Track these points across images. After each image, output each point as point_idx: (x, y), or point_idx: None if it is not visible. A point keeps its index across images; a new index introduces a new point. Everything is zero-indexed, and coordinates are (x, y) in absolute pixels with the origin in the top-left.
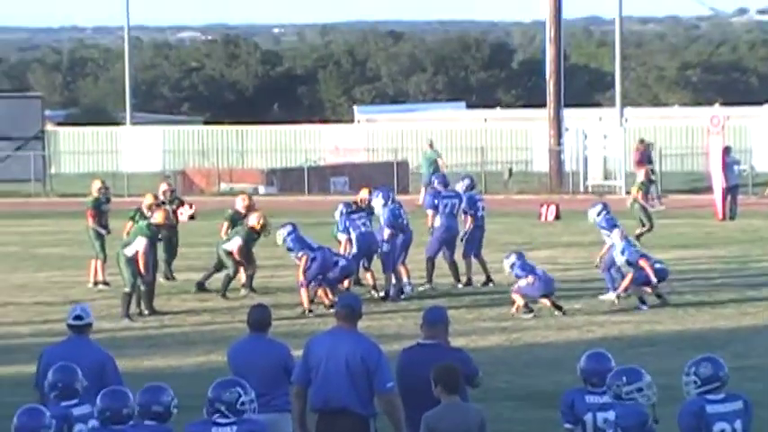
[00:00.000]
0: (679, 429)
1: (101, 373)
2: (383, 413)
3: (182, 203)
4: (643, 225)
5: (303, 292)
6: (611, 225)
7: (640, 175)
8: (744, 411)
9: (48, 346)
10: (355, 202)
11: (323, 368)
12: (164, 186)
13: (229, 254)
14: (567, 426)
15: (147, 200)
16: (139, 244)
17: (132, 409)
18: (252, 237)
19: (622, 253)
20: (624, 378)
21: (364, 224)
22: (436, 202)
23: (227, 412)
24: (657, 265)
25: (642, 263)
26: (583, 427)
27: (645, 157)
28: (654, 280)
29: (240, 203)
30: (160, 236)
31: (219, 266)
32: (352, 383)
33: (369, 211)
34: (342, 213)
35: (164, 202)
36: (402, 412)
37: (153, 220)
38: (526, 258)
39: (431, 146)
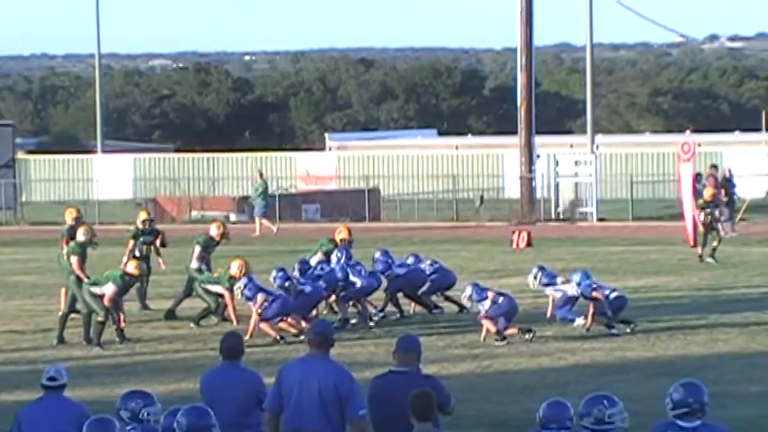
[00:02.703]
0: None
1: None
2: None
3: (158, 234)
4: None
5: (264, 325)
6: (552, 278)
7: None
8: None
9: (23, 407)
10: (333, 240)
11: (295, 395)
12: (143, 216)
13: (210, 293)
14: None
15: (142, 216)
16: (108, 289)
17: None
18: (233, 285)
19: (578, 285)
20: (605, 401)
21: (360, 270)
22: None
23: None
24: (614, 294)
25: (595, 295)
26: None
27: (719, 183)
28: (609, 312)
29: (215, 231)
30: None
31: (188, 292)
32: (325, 411)
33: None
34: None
35: (143, 232)
36: None
37: (127, 270)
38: (482, 286)
39: (260, 175)
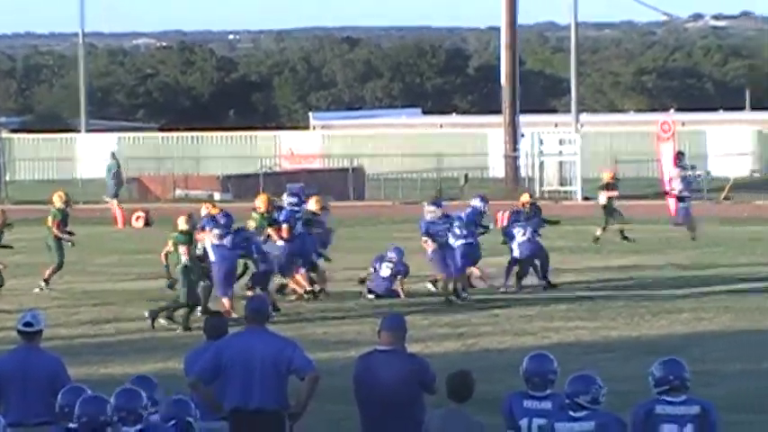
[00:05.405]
0: (629, 427)
1: (54, 380)
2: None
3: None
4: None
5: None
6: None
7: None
8: (699, 417)
9: None
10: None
11: (239, 369)
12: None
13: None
14: None
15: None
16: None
17: (110, 417)
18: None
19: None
20: (599, 382)
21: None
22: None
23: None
24: (462, 241)
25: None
26: None
27: None
28: (458, 261)
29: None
30: None
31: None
32: (269, 382)
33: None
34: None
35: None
36: (314, 392)
37: (180, 229)
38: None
39: (112, 156)
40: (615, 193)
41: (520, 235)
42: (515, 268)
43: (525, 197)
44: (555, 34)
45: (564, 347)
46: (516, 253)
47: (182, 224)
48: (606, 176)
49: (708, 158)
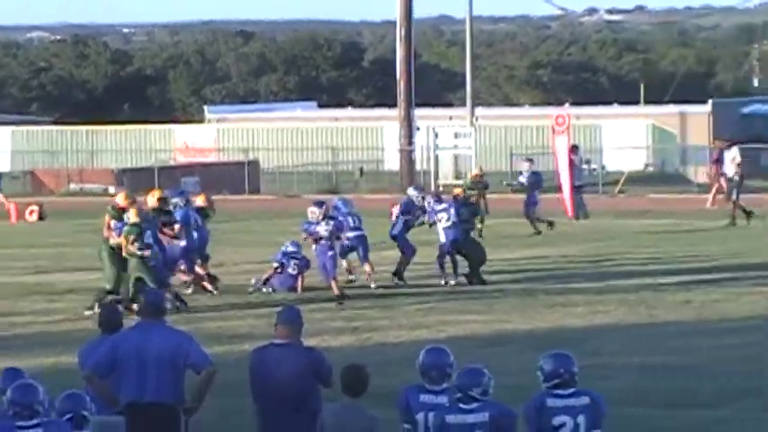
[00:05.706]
0: (523, 423)
1: None
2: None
3: None
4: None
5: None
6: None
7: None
8: (589, 407)
9: None
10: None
11: (135, 363)
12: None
13: None
14: (406, 426)
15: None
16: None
17: (42, 405)
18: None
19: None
20: (488, 373)
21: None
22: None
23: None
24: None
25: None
26: (414, 427)
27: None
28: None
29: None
30: None
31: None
32: (165, 376)
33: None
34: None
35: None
36: (210, 386)
37: (132, 221)
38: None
39: None
40: (474, 191)
41: (444, 220)
42: (447, 258)
43: (458, 191)
44: (450, 28)
45: (458, 341)
46: (443, 238)
47: (132, 217)
48: (473, 172)
49: (602, 152)
